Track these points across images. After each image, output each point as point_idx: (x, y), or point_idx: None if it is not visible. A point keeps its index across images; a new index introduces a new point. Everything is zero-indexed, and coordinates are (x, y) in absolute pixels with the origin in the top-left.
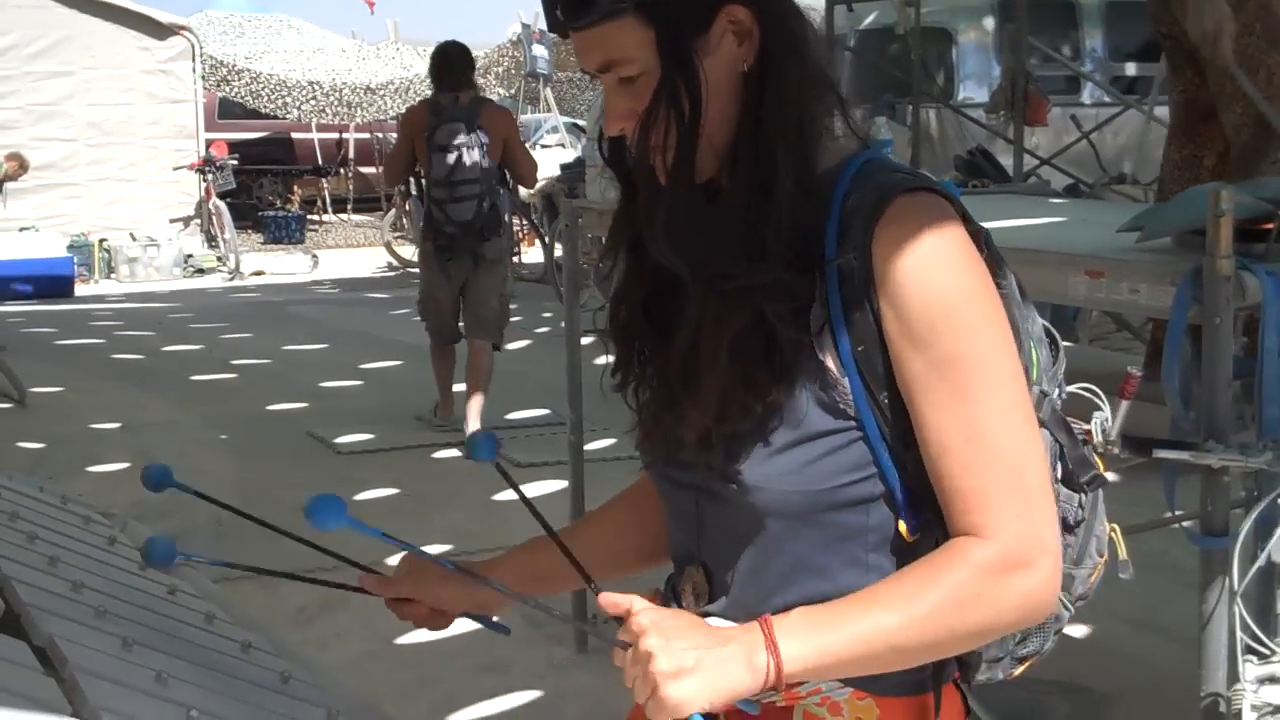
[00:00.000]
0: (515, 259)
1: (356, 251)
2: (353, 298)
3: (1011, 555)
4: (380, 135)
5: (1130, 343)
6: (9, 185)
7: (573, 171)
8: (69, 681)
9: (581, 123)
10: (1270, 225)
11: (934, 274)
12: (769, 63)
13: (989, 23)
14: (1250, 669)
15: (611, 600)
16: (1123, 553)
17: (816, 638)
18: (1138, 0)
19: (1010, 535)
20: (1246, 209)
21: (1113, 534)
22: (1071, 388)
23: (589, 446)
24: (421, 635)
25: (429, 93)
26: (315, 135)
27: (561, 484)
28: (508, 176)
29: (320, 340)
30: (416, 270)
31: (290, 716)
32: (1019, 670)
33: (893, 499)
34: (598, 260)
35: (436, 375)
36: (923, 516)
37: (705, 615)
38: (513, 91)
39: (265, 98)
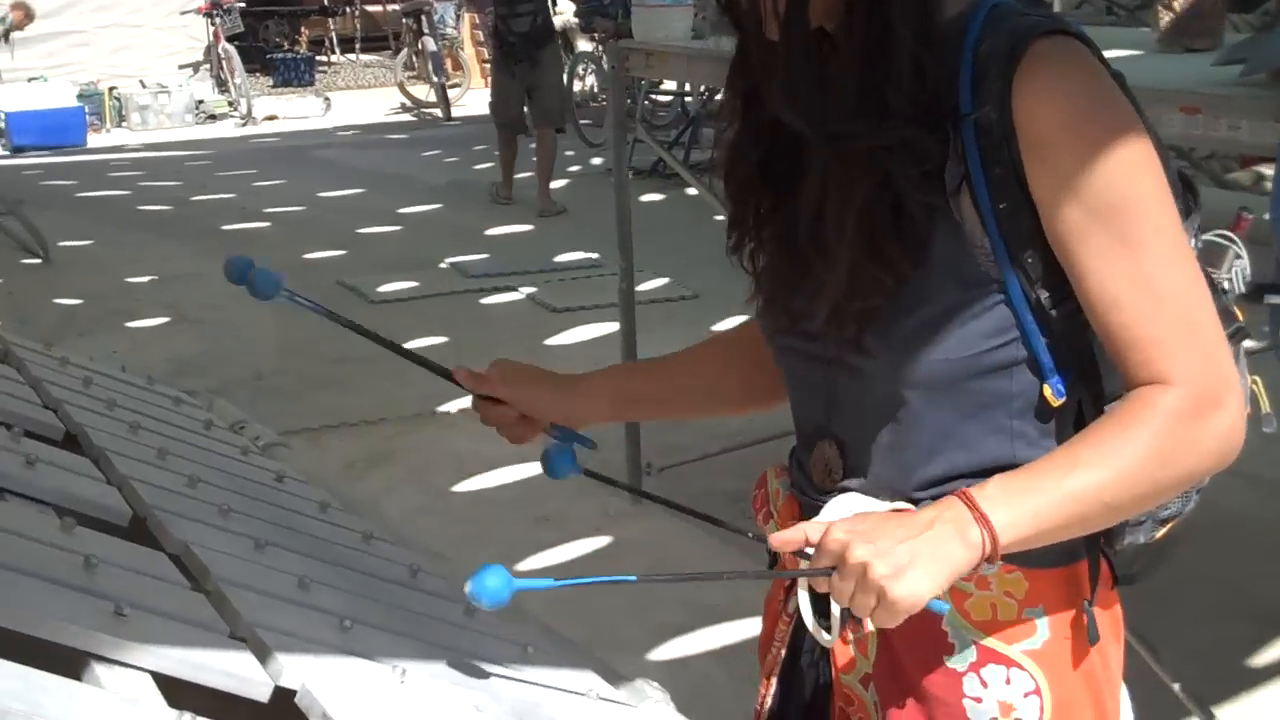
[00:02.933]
0: None
1: (368, 93)
2: (374, 139)
3: (1202, 398)
4: None
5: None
6: (15, 35)
7: (591, 5)
8: (215, 593)
9: None
10: None
11: (1086, 119)
12: None
13: None
14: None
15: (785, 539)
16: (1265, 406)
17: (1024, 503)
18: None
19: (1197, 378)
20: None
21: (1254, 387)
22: (1206, 235)
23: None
24: (474, 486)
25: None
26: None
27: (605, 327)
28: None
29: (352, 185)
30: (432, 112)
31: (429, 615)
32: (1161, 533)
33: (1037, 363)
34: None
35: (502, 161)
36: (1068, 379)
37: (842, 491)
38: None
39: None
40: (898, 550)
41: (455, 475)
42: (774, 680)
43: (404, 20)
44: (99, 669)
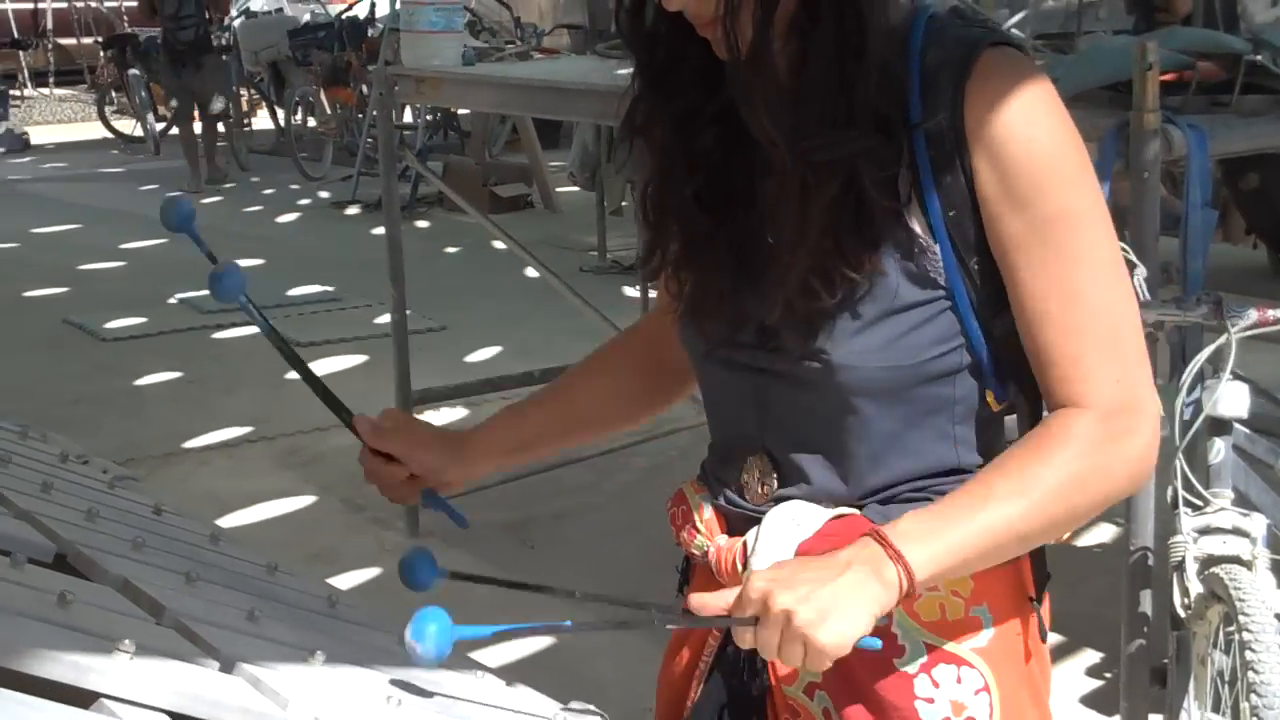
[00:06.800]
0: (246, 128)
1: (67, 127)
2: (86, 174)
3: (1115, 424)
4: (79, 5)
5: None
6: None
7: (303, 39)
8: (180, 628)
9: None
10: (1183, 77)
11: (1037, 131)
12: None
13: None
14: (1187, 520)
15: (704, 603)
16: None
17: (937, 538)
18: None
19: (1111, 402)
20: (1165, 61)
21: None
22: None
23: (376, 321)
24: (238, 523)
25: None
26: (9, 5)
27: (352, 359)
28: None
29: (67, 220)
30: (140, 144)
31: (374, 646)
32: (1067, 534)
33: (979, 368)
34: (334, 129)
35: (185, 150)
36: (1007, 384)
37: (780, 501)
38: None
39: None
40: (820, 595)
41: (218, 513)
42: (699, 687)
43: (105, 52)
44: (114, 709)
